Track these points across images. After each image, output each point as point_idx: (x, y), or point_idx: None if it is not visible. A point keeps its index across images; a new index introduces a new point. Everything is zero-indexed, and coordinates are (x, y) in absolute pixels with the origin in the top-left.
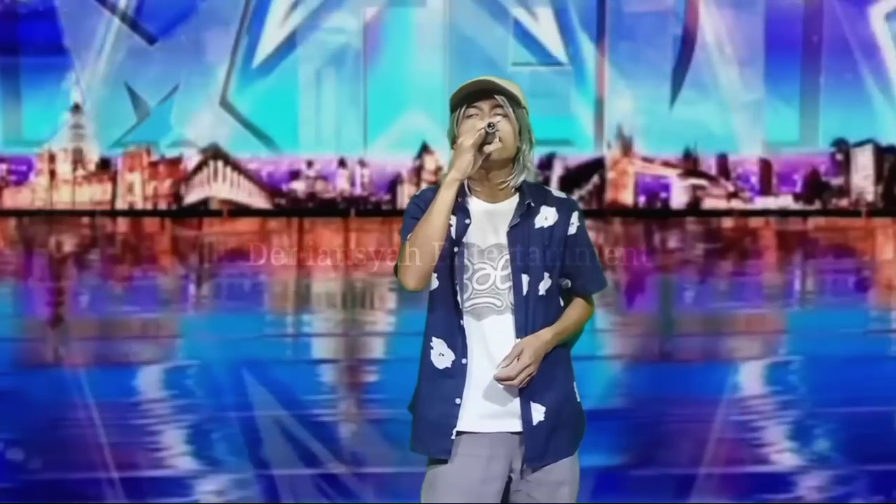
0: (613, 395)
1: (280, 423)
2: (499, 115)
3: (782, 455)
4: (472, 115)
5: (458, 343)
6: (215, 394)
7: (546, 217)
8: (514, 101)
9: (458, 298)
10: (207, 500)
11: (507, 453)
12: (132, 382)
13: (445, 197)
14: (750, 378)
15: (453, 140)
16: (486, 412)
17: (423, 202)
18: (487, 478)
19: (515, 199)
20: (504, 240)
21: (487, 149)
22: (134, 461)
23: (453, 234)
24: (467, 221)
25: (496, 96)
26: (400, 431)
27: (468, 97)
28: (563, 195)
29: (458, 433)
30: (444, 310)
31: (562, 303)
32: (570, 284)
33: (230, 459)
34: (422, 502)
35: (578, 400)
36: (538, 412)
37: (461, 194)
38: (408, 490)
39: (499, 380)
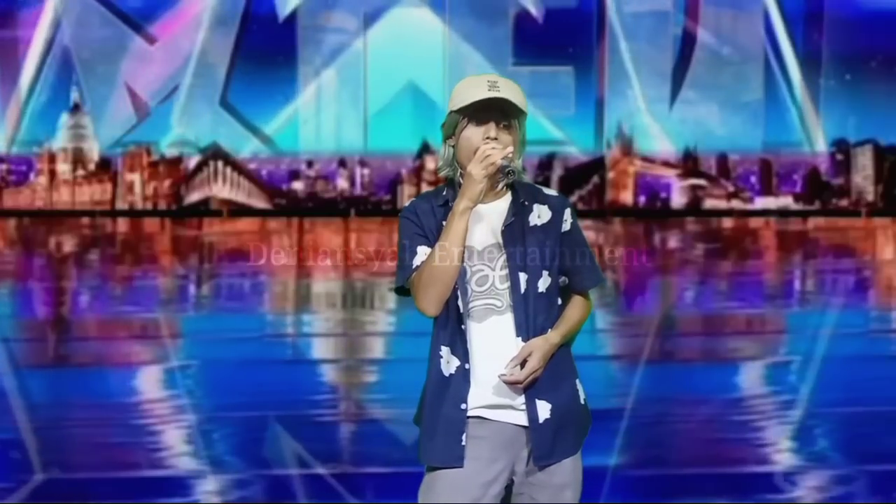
0: (613, 395)
1: (280, 423)
2: (505, 131)
3: (782, 455)
4: (479, 126)
5: (461, 348)
6: (215, 394)
7: (539, 215)
8: (520, 112)
9: (460, 303)
10: (207, 500)
11: (509, 455)
12: (132, 382)
13: (460, 227)
14: (750, 378)
15: (446, 136)
16: (491, 407)
17: (415, 216)
18: (487, 481)
19: (507, 198)
20: (500, 239)
21: (501, 183)
22: (134, 461)
23: None
24: None
25: (509, 112)
26: (400, 431)
27: (478, 109)
28: (554, 193)
29: (467, 417)
30: (447, 316)
31: (559, 301)
32: (567, 282)
33: (230, 459)
34: (420, 503)
35: (583, 398)
36: (544, 410)
37: (450, 199)
38: (408, 490)
39: (506, 382)
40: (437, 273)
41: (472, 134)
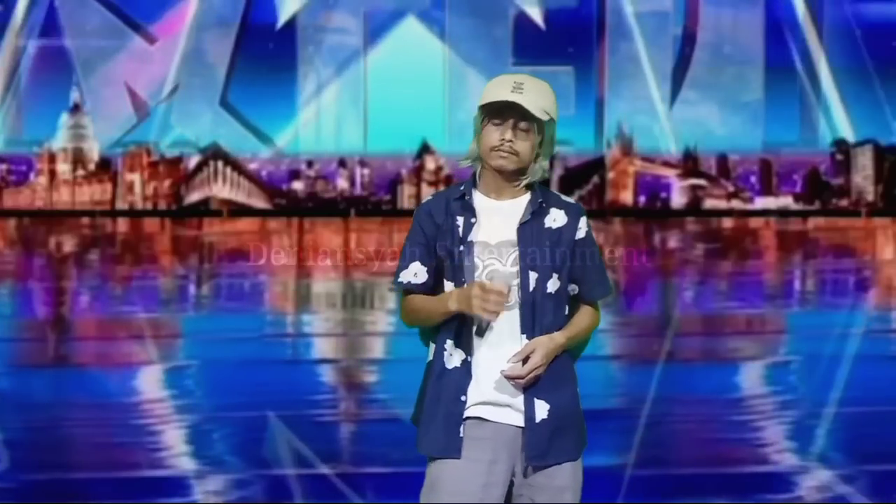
0: (613, 395)
1: (280, 423)
2: (522, 134)
3: (782, 455)
4: (498, 126)
5: (465, 341)
6: (215, 394)
7: (555, 219)
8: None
9: None
10: (207, 500)
11: (510, 456)
12: (132, 382)
13: (436, 317)
14: (750, 378)
15: (476, 131)
16: (491, 404)
17: (424, 218)
18: (489, 482)
19: (525, 197)
20: (514, 236)
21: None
22: (134, 461)
23: (460, 233)
24: (473, 220)
25: (529, 115)
26: (400, 431)
27: (499, 109)
28: (571, 200)
29: (465, 418)
30: None
31: (567, 310)
32: (576, 290)
33: (230, 459)
34: (421, 503)
35: (580, 406)
36: (542, 409)
37: (466, 193)
38: (408, 490)
39: (507, 377)
40: (418, 319)
41: (489, 133)
